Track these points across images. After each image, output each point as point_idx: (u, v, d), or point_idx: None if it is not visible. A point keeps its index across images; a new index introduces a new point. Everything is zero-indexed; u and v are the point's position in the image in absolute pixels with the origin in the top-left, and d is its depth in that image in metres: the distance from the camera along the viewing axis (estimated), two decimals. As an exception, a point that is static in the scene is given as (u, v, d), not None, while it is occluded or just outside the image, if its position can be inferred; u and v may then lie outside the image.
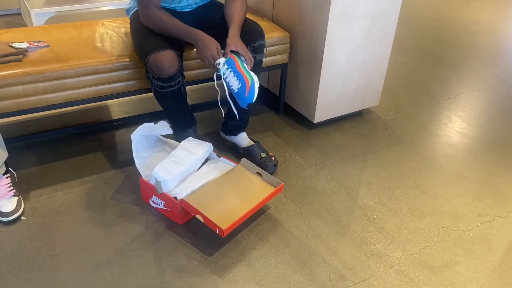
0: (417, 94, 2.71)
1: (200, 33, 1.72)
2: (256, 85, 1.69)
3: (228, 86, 1.70)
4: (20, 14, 3.49)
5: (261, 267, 1.51)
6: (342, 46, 2.08)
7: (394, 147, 2.20)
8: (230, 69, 1.68)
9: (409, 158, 2.12)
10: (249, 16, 2.31)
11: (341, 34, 2.04)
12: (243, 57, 1.71)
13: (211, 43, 1.70)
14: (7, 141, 2.01)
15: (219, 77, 1.75)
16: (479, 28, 3.86)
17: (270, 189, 1.69)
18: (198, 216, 1.55)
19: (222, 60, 1.68)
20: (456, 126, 2.41)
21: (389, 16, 2.15)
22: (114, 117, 2.28)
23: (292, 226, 1.68)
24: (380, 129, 2.34)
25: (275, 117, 2.39)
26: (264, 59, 1.93)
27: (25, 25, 3.27)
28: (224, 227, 1.48)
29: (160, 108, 2.20)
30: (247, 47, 1.81)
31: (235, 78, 1.68)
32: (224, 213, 1.56)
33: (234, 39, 1.73)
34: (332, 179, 1.95)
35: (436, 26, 3.86)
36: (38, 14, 2.75)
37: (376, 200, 1.85)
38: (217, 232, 1.51)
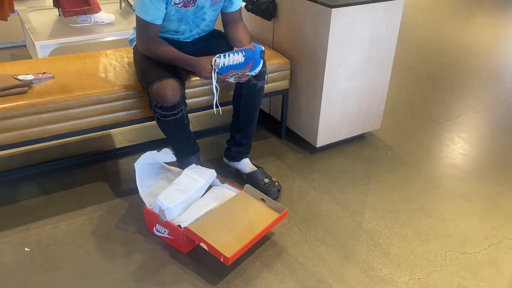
0: (418, 116, 2.72)
1: (194, 59, 1.76)
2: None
3: (235, 67, 1.70)
4: (25, 46, 3.56)
5: (267, 295, 1.49)
6: (342, 70, 2.10)
7: (398, 170, 2.19)
8: (225, 54, 1.71)
9: (413, 181, 2.12)
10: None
11: (341, 59, 2.07)
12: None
13: (206, 63, 1.73)
14: (11, 172, 2.03)
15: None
16: (478, 50, 3.90)
17: (274, 215, 1.68)
18: (202, 244, 1.54)
19: (215, 57, 1.72)
20: (459, 147, 2.42)
21: (387, 40, 2.18)
22: (118, 146, 2.30)
23: (297, 253, 1.67)
24: (383, 152, 2.34)
25: (277, 142, 2.40)
26: (265, 85, 1.96)
27: (30, 57, 3.33)
28: (228, 255, 1.47)
29: (163, 136, 2.22)
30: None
31: (234, 55, 1.70)
32: (228, 241, 1.55)
33: None
34: (336, 203, 1.94)
35: (435, 48, 3.90)
36: (43, 46, 2.80)
37: (381, 224, 1.83)
38: (221, 260, 1.49)
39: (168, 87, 1.70)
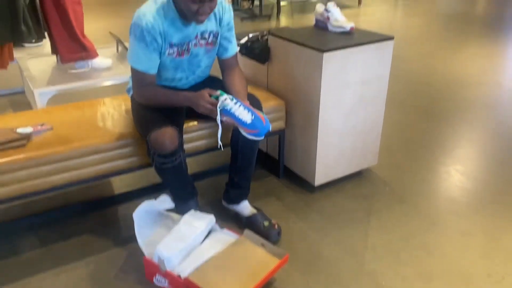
0: (414, 150, 2.75)
1: (189, 95, 1.77)
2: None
3: (238, 119, 1.69)
4: (23, 92, 3.61)
5: None
6: (336, 111, 2.14)
7: (396, 207, 2.20)
8: (238, 103, 1.71)
9: (412, 217, 2.12)
10: (244, 86, 2.40)
11: (334, 100, 2.11)
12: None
13: (201, 95, 1.73)
14: (10, 223, 2.02)
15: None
16: (469, 80, 3.97)
17: (275, 262, 1.67)
18: (203, 295, 1.53)
19: (226, 95, 1.70)
20: (456, 180, 2.43)
21: (379, 80, 2.23)
22: (117, 192, 2.30)
23: (300, 298, 1.65)
24: (381, 189, 2.35)
25: (275, 181, 2.41)
26: None
27: (29, 103, 3.38)
28: (230, 305, 1.46)
29: (161, 180, 2.23)
30: None
31: (245, 110, 1.70)
32: (229, 290, 1.54)
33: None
34: (337, 245, 1.93)
35: (427, 81, 3.97)
36: (41, 93, 2.84)
37: (383, 264, 1.82)
38: (223, 310, 1.48)
39: (166, 135, 1.72)
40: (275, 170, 2.47)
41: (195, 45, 1.86)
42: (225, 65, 2.00)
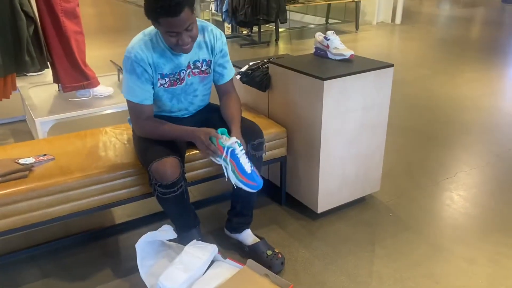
0: (416, 176, 2.74)
1: (191, 131, 1.76)
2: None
3: (240, 166, 1.70)
4: (25, 121, 3.62)
5: None
6: (337, 138, 2.14)
7: (401, 234, 2.18)
8: (243, 150, 1.72)
9: (416, 245, 2.10)
10: (245, 113, 2.41)
11: (336, 127, 2.11)
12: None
13: (202, 135, 1.71)
14: (9, 256, 1.99)
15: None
16: (467, 104, 4.00)
17: (279, 292, 1.65)
18: (206, 328, 1.50)
19: (234, 139, 1.70)
20: (459, 206, 2.41)
21: (380, 107, 2.24)
22: (117, 221, 2.28)
23: (305, 331, 1.62)
24: (384, 215, 2.33)
25: (278, 208, 2.39)
26: (264, 155, 1.98)
27: (30, 132, 3.39)
28: None
29: (162, 209, 2.22)
30: (247, 145, 1.87)
31: (246, 159, 1.73)
32: (233, 323, 1.50)
33: (237, 135, 1.79)
34: (341, 274, 1.91)
35: (426, 105, 4.00)
36: (43, 123, 2.85)
37: (388, 294, 1.80)
38: None
39: (167, 166, 1.72)
40: (277, 197, 2.46)
41: (189, 74, 1.88)
42: (221, 90, 2.01)
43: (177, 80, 1.86)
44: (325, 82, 1.98)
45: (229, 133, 1.79)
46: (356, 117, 2.16)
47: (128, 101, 1.83)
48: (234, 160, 1.70)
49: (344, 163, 2.22)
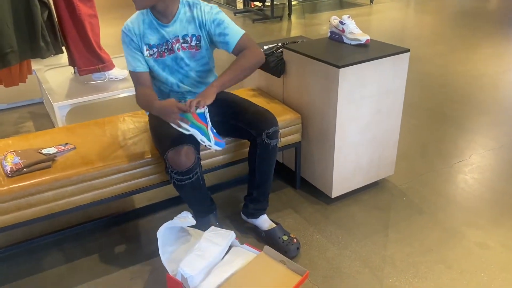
0: (431, 158, 2.75)
1: (157, 104, 1.77)
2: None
3: (210, 125, 1.75)
4: (42, 103, 3.68)
5: None
6: (352, 124, 2.15)
7: (414, 218, 2.21)
8: (207, 109, 1.73)
9: (430, 229, 2.13)
10: (260, 98, 2.43)
11: (351, 114, 2.12)
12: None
13: (167, 107, 1.71)
14: (34, 240, 2.08)
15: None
16: (485, 82, 3.94)
17: (296, 279, 1.70)
18: (226, 313, 1.56)
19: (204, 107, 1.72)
20: (474, 190, 2.43)
21: (395, 93, 2.23)
22: (137, 206, 2.35)
23: (320, 315, 1.68)
24: (398, 199, 2.36)
25: (292, 192, 2.44)
26: (278, 143, 2.00)
27: (47, 114, 3.45)
28: (253, 324, 1.49)
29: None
30: (262, 135, 1.89)
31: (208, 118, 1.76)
32: (252, 308, 1.57)
33: (213, 87, 1.78)
34: (356, 259, 1.96)
35: (442, 83, 3.95)
36: (60, 107, 2.90)
37: (401, 279, 1.84)
38: (246, 329, 1.51)
39: (182, 154, 1.77)
40: (292, 181, 2.50)
41: (178, 49, 1.93)
42: (237, 52, 1.92)
43: (165, 51, 1.93)
44: (341, 69, 1.98)
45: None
46: (371, 103, 2.16)
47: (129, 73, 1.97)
48: (204, 121, 1.74)
49: (358, 149, 2.24)
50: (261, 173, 2.02)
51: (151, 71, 1.97)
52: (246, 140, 2.04)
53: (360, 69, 2.04)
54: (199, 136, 1.73)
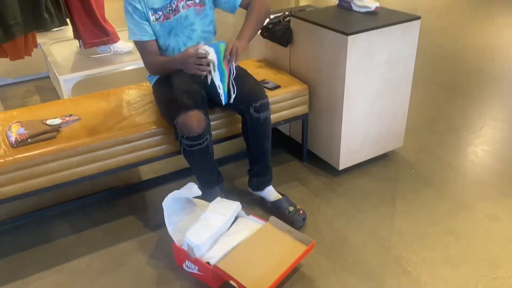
0: (440, 130, 2.70)
1: (176, 56, 1.82)
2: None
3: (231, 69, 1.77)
4: (48, 77, 3.66)
5: (299, 331, 1.50)
6: (361, 94, 2.11)
7: (422, 190, 2.18)
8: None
9: (438, 201, 2.10)
10: (266, 69, 2.38)
11: (359, 84, 2.07)
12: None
13: (186, 52, 1.73)
14: (42, 211, 2.09)
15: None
16: (497, 54, 3.84)
17: (302, 248, 1.70)
18: (232, 282, 1.57)
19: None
20: (484, 162, 2.38)
21: (406, 61, 2.18)
22: (144, 178, 2.35)
23: (327, 285, 1.67)
24: (406, 171, 2.33)
25: (299, 165, 2.41)
26: (268, 116, 1.93)
27: (54, 88, 3.43)
28: (259, 292, 1.49)
29: (187, 165, 2.26)
30: (249, 109, 1.87)
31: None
32: (258, 277, 1.57)
33: (241, 39, 1.81)
34: (362, 230, 1.94)
35: (453, 55, 3.86)
36: (66, 80, 2.88)
37: (409, 249, 1.83)
38: (252, 297, 1.52)
39: (193, 118, 1.75)
40: (299, 154, 2.47)
41: (183, 7, 1.89)
42: (245, 5, 1.94)
43: (170, 12, 1.88)
44: (349, 37, 1.92)
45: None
46: (380, 72, 2.11)
47: (134, 42, 1.92)
48: (232, 73, 1.76)
49: (367, 120, 2.20)
50: (257, 148, 1.98)
51: (156, 37, 1.92)
52: None
53: (369, 36, 1.98)
54: (217, 81, 1.74)
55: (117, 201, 2.19)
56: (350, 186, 2.23)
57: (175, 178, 2.31)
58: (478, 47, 4.01)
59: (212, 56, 1.68)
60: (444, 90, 3.22)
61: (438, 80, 3.40)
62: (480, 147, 2.52)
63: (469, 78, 3.40)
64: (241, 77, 1.94)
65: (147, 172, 2.39)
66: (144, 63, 1.96)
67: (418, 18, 2.11)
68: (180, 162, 2.43)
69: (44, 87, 3.51)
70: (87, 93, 2.21)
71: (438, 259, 1.78)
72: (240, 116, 1.97)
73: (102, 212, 2.11)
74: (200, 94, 1.91)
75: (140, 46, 1.92)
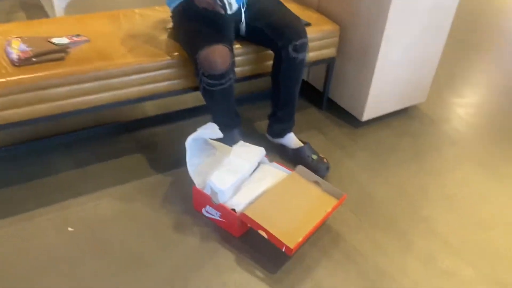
0: (460, 88, 2.59)
1: None
2: None
3: None
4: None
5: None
6: (398, 40, 1.94)
7: (447, 148, 2.09)
8: None
9: (463, 161, 2.02)
10: (291, 4, 2.16)
11: (399, 28, 1.90)
12: None
13: None
14: (41, 141, 1.89)
15: None
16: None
17: (333, 202, 1.59)
18: (261, 232, 1.45)
19: None
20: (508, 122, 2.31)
21: (447, 9, 2.01)
22: (150, 114, 2.15)
23: (355, 240, 1.59)
24: (429, 127, 2.23)
25: (317, 113, 2.27)
26: (306, 58, 1.77)
27: (42, 7, 3.08)
28: (291, 245, 1.39)
29: (197, 103, 2.08)
30: (288, 47, 1.67)
31: None
32: (288, 229, 1.46)
33: None
34: (388, 186, 1.85)
35: (472, 11, 3.68)
36: (60, -2, 2.58)
37: (438, 210, 1.75)
38: (283, 250, 1.41)
39: (217, 54, 1.55)
40: (317, 101, 2.31)
41: None
42: None
43: None
44: (400, -26, 1.72)
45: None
46: (422, 17, 1.94)
47: None
48: None
49: (398, 69, 2.05)
50: (286, 91, 1.82)
51: None
52: (270, 50, 1.81)
53: (420, -24, 1.79)
54: None
55: (122, 136, 1.99)
56: (372, 139, 2.11)
57: (183, 116, 2.11)
58: (499, 2, 3.85)
59: None
60: (464, 47, 3.08)
61: (454, 35, 3.24)
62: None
63: (488, 35, 3.26)
64: (278, 5, 1.73)
65: (153, 108, 2.19)
66: None
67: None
68: (191, 99, 2.23)
69: (30, 4, 3.15)
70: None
71: (468, 221, 1.71)
72: (270, 53, 1.77)
73: (106, 147, 1.92)
74: (226, 26, 1.70)
75: None
